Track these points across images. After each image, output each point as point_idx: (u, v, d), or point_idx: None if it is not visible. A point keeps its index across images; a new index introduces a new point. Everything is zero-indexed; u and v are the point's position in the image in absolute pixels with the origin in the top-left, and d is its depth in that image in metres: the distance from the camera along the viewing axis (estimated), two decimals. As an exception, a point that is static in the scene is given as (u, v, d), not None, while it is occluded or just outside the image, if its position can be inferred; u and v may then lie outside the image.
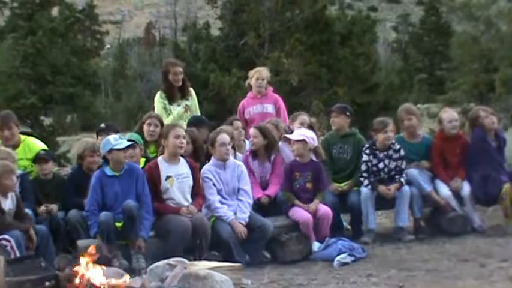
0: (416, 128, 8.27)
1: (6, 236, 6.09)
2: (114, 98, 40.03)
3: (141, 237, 6.61)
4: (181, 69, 8.47)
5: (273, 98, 8.93)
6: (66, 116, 25.96)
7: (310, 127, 8.01)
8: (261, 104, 8.82)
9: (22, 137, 7.69)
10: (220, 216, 6.98)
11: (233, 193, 7.20)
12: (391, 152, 7.86)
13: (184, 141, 7.07)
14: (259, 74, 8.87)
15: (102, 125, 8.47)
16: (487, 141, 8.06)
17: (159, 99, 8.41)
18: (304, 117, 8.26)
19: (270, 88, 9.01)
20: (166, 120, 8.09)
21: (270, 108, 8.81)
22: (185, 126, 7.88)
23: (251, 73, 9.02)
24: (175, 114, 8.24)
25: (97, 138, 8.01)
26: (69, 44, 23.90)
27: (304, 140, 7.44)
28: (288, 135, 7.63)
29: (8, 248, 6.06)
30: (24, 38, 21.43)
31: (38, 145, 7.74)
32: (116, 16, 73.60)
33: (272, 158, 7.73)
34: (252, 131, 7.82)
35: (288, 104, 9.32)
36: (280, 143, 7.89)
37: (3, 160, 6.66)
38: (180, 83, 8.40)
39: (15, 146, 7.43)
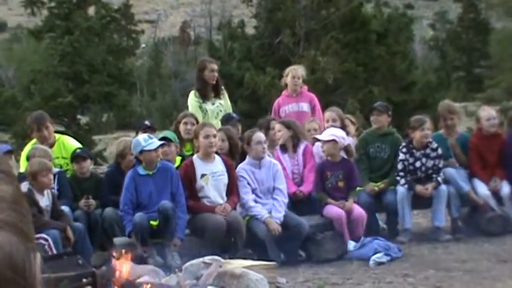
0: (456, 126, 8.20)
1: (43, 235, 6.16)
2: (149, 97, 40.32)
3: (176, 237, 6.64)
4: (216, 67, 8.51)
5: (308, 97, 8.88)
6: (102, 114, 26.19)
7: (343, 124, 7.99)
8: (297, 102, 8.78)
9: (56, 135, 7.77)
10: (255, 215, 6.97)
11: (268, 192, 7.18)
12: (428, 150, 7.76)
13: (215, 139, 7.06)
14: (294, 72, 8.83)
15: (147, 122, 8.54)
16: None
17: (193, 99, 8.42)
18: (329, 113, 8.19)
19: (305, 87, 8.96)
20: (202, 120, 8.11)
21: (305, 107, 8.76)
22: (220, 125, 7.91)
23: (286, 71, 8.98)
24: (210, 114, 8.27)
25: (136, 134, 8.09)
26: (106, 43, 24.10)
27: (334, 140, 7.38)
28: (317, 136, 7.59)
29: (46, 247, 6.13)
30: (62, 38, 21.66)
31: (73, 144, 7.81)
32: (151, 15, 74.09)
33: (301, 149, 7.72)
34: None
35: (324, 103, 9.26)
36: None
37: (41, 158, 6.74)
38: (215, 81, 8.42)
39: (51, 145, 7.50)
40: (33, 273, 0.72)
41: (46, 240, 6.14)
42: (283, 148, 7.77)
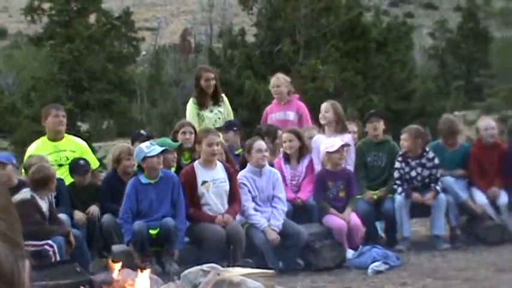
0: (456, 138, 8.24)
1: (49, 242, 6.16)
2: (149, 104, 40.29)
3: (175, 248, 6.64)
4: (213, 76, 8.41)
5: (295, 106, 8.76)
6: (102, 122, 26.19)
7: (338, 116, 8.02)
8: (284, 111, 8.70)
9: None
10: (254, 224, 6.97)
11: (267, 200, 7.18)
12: (424, 160, 7.77)
13: (218, 147, 7.05)
14: (276, 81, 8.80)
15: (142, 131, 8.55)
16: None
17: (191, 105, 8.42)
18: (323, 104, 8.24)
19: (296, 96, 8.89)
20: (199, 127, 8.10)
21: (292, 115, 8.64)
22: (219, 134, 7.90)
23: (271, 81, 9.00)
24: (207, 121, 8.25)
25: (132, 144, 8.08)
26: (106, 51, 24.12)
27: (344, 146, 7.41)
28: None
29: (51, 253, 6.14)
30: (62, 45, 21.69)
31: (78, 141, 7.96)
32: (152, 23, 74.14)
33: (306, 161, 7.71)
34: (286, 135, 7.76)
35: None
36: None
37: (42, 164, 6.71)
38: (212, 90, 8.34)
39: (60, 138, 7.64)
40: (22, 280, 0.72)
41: (51, 246, 6.15)
42: (287, 158, 7.76)
